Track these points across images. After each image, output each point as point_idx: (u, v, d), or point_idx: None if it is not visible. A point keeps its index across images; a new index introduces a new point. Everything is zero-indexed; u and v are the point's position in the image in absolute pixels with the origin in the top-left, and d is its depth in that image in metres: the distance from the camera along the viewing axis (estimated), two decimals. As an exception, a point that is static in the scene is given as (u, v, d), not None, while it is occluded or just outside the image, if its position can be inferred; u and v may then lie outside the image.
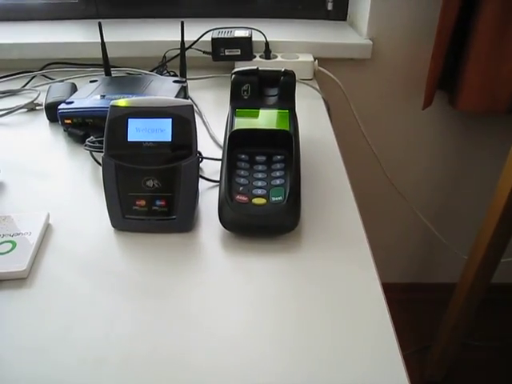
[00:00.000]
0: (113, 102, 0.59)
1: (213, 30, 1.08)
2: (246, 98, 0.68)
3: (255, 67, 0.69)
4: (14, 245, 0.57)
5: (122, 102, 0.59)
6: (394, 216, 1.42)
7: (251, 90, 0.68)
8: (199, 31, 1.09)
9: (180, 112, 0.57)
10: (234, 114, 0.67)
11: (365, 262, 0.57)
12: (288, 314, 0.50)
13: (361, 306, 0.51)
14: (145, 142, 0.57)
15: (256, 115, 0.67)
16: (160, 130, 0.57)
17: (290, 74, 0.69)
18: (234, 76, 0.69)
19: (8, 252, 0.56)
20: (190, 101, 0.57)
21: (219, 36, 1.07)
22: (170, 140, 0.57)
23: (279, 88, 0.69)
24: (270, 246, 0.58)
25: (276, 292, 0.52)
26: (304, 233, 0.60)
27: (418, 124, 1.30)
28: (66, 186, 0.71)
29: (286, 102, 0.68)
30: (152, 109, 0.58)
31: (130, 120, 0.58)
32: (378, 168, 1.22)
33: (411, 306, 1.59)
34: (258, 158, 0.62)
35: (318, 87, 1.03)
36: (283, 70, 0.69)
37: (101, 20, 1.13)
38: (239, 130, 0.62)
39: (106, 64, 0.99)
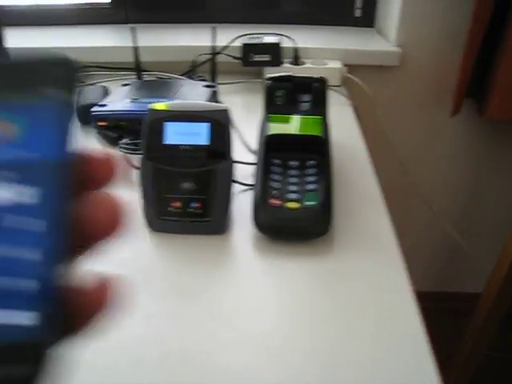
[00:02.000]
0: (151, 106, 0.60)
1: (243, 35, 1.10)
2: (279, 103, 0.69)
3: (289, 73, 0.70)
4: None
5: (160, 105, 0.60)
6: (418, 223, 1.42)
7: (285, 96, 0.69)
8: (228, 36, 1.10)
9: (217, 116, 0.58)
10: (267, 119, 0.68)
11: (396, 269, 0.57)
12: (319, 316, 0.50)
13: (393, 312, 0.51)
14: (182, 145, 0.58)
15: (289, 121, 0.68)
16: (197, 134, 0.58)
17: (322, 81, 0.70)
18: (268, 82, 0.70)
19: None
20: (226, 105, 0.58)
21: (249, 42, 1.08)
22: (206, 144, 0.58)
23: (312, 94, 0.70)
24: (303, 250, 0.59)
25: (308, 295, 0.53)
26: (336, 237, 0.61)
27: (444, 132, 1.30)
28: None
29: (319, 108, 0.69)
30: (190, 113, 0.59)
31: (167, 123, 0.59)
32: (402, 175, 1.22)
33: (431, 315, 1.57)
34: (291, 162, 0.63)
35: (346, 94, 1.04)
36: (316, 76, 0.70)
37: (130, 25, 1.16)
38: (274, 135, 0.63)
39: (137, 68, 1.01)
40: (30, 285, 0.18)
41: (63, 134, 0.21)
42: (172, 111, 0.59)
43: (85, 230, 0.20)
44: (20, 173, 0.20)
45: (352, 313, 0.51)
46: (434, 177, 1.37)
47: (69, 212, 0.20)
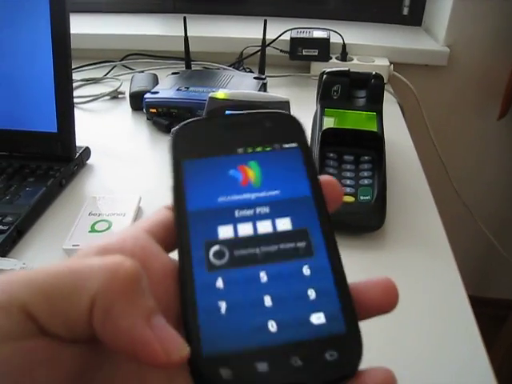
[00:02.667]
0: (211, 94, 0.61)
1: (292, 29, 1.10)
2: (335, 98, 0.69)
3: (347, 68, 0.70)
4: (110, 224, 0.60)
5: (221, 94, 0.61)
6: (456, 226, 1.40)
7: (341, 91, 0.69)
8: (275, 30, 1.10)
9: (277, 107, 0.59)
10: (322, 113, 0.68)
11: (449, 267, 0.57)
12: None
13: (446, 311, 0.51)
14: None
15: (344, 116, 0.68)
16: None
17: (379, 78, 0.70)
18: (325, 76, 0.70)
19: (105, 230, 0.60)
20: (287, 97, 0.59)
21: (298, 36, 1.08)
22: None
23: (368, 90, 0.70)
24: (355, 243, 0.59)
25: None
26: (388, 233, 0.61)
27: (489, 134, 1.28)
28: (152, 171, 0.74)
29: (375, 104, 0.69)
30: (250, 103, 0.60)
31: (227, 113, 0.60)
32: (444, 177, 1.21)
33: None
34: (346, 157, 0.64)
35: (392, 91, 1.03)
36: (373, 73, 0.70)
37: (178, 14, 1.17)
38: (330, 129, 0.64)
39: (187, 57, 1.02)
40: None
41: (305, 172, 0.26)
42: (232, 100, 0.60)
43: (359, 303, 0.22)
44: (280, 208, 0.25)
45: (404, 310, 0.51)
46: (476, 179, 1.35)
47: (332, 232, 0.24)
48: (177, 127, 0.27)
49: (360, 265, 0.56)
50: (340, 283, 0.23)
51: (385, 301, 0.23)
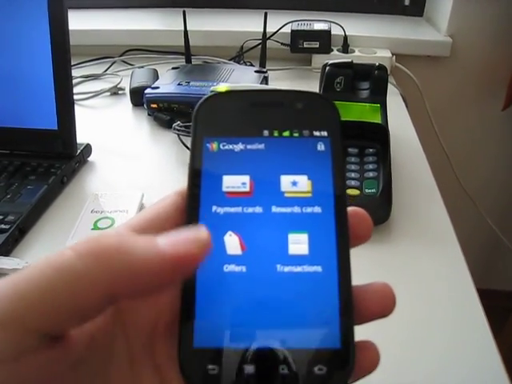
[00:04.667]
0: (213, 88, 0.60)
1: (292, 21, 1.09)
2: (338, 90, 0.68)
3: (350, 60, 0.69)
4: (113, 221, 0.60)
5: (223, 88, 0.60)
6: (459, 216, 1.39)
7: (344, 83, 0.68)
8: (276, 23, 1.09)
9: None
10: (325, 105, 0.67)
11: (455, 260, 0.56)
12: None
13: (454, 303, 0.50)
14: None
15: (347, 108, 0.67)
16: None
17: (383, 69, 0.69)
18: (328, 68, 0.69)
19: (108, 227, 0.59)
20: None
21: (299, 28, 1.07)
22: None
23: (372, 82, 0.69)
24: (361, 238, 0.58)
25: (367, 281, 0.52)
26: (394, 226, 0.60)
27: (493, 125, 1.27)
28: (154, 167, 0.74)
29: (378, 96, 0.68)
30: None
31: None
32: (447, 168, 1.20)
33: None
34: (350, 149, 0.63)
35: (395, 83, 1.02)
36: (377, 64, 0.69)
37: (177, 9, 1.16)
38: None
39: (187, 52, 1.01)
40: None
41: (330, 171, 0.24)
42: (235, 94, 0.59)
43: (356, 310, 0.22)
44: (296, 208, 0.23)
45: (411, 302, 0.50)
46: (478, 170, 1.34)
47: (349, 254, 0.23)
48: (202, 99, 0.25)
49: (367, 259, 0.55)
50: (344, 298, 0.22)
51: (382, 308, 0.23)
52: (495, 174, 1.36)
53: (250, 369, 0.20)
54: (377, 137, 0.63)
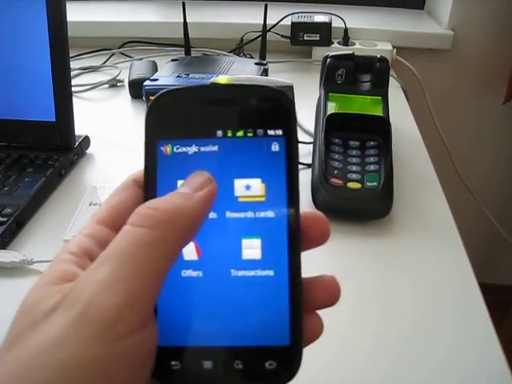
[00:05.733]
0: (213, 80, 0.59)
1: (293, 14, 1.08)
2: (339, 82, 0.68)
3: (351, 52, 0.69)
4: (112, 214, 0.59)
5: (223, 79, 0.59)
6: (458, 209, 1.39)
7: (345, 75, 0.67)
8: (276, 15, 1.08)
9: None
10: (326, 98, 0.67)
11: (457, 253, 0.56)
12: (379, 298, 0.49)
13: (457, 297, 0.50)
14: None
15: (349, 100, 0.67)
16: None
17: (384, 61, 0.68)
18: (329, 60, 0.68)
19: (106, 220, 0.58)
20: (290, 81, 0.57)
21: (299, 20, 1.06)
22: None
23: (373, 74, 0.68)
24: (362, 230, 0.58)
25: (368, 276, 0.52)
26: (395, 219, 0.60)
27: (493, 118, 1.27)
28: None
29: (380, 88, 0.68)
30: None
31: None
32: (447, 161, 1.19)
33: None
34: (351, 142, 0.62)
35: (396, 76, 1.02)
36: (378, 56, 0.68)
37: (176, 0, 1.15)
38: (335, 114, 0.62)
39: (186, 44, 1.00)
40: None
41: (284, 173, 0.24)
42: (235, 86, 0.59)
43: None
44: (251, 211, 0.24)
45: (413, 296, 0.50)
46: (478, 164, 1.34)
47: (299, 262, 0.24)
48: (154, 98, 0.24)
49: (368, 252, 0.55)
50: (294, 300, 0.23)
51: (328, 300, 0.24)
52: (495, 167, 1.36)
53: (207, 364, 0.22)
54: (378, 129, 0.62)
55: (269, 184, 0.24)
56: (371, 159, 0.60)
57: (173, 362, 0.22)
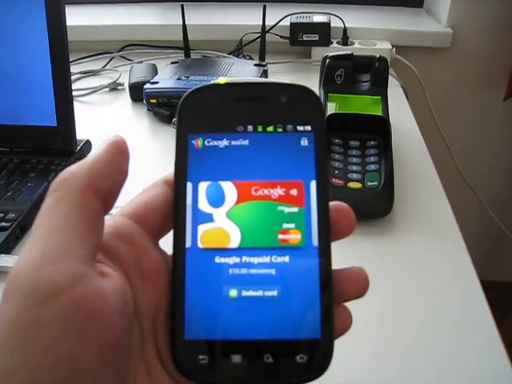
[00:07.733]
0: (213, 82, 0.60)
1: (291, 14, 1.08)
2: (338, 82, 0.68)
3: (350, 52, 0.69)
4: (114, 217, 0.59)
5: (223, 81, 0.59)
6: (460, 208, 1.39)
7: (345, 75, 0.68)
8: (275, 15, 1.08)
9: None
10: (326, 98, 0.67)
11: (458, 252, 0.56)
12: (380, 297, 0.50)
13: (458, 295, 0.50)
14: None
15: (348, 100, 0.67)
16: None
17: (383, 61, 0.69)
18: (328, 60, 0.69)
19: (109, 224, 0.59)
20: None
21: (298, 21, 1.06)
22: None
23: (372, 74, 0.69)
24: (364, 230, 0.58)
25: (369, 275, 0.52)
26: (396, 218, 0.60)
27: (493, 116, 1.27)
28: (154, 163, 0.73)
29: (379, 88, 0.68)
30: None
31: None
32: (448, 159, 1.20)
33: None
34: (351, 142, 0.63)
35: (395, 75, 1.02)
36: (377, 56, 0.69)
37: (175, 3, 1.15)
38: (335, 114, 0.63)
39: (186, 46, 1.01)
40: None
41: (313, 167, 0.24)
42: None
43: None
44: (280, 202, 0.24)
45: (414, 294, 0.50)
46: (479, 161, 1.34)
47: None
48: (185, 94, 0.25)
49: (369, 251, 0.55)
50: (325, 289, 0.23)
51: (357, 291, 0.24)
52: (496, 164, 1.36)
53: (237, 358, 0.22)
54: (378, 129, 0.62)
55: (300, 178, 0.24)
56: (371, 159, 0.61)
57: (200, 356, 0.22)
